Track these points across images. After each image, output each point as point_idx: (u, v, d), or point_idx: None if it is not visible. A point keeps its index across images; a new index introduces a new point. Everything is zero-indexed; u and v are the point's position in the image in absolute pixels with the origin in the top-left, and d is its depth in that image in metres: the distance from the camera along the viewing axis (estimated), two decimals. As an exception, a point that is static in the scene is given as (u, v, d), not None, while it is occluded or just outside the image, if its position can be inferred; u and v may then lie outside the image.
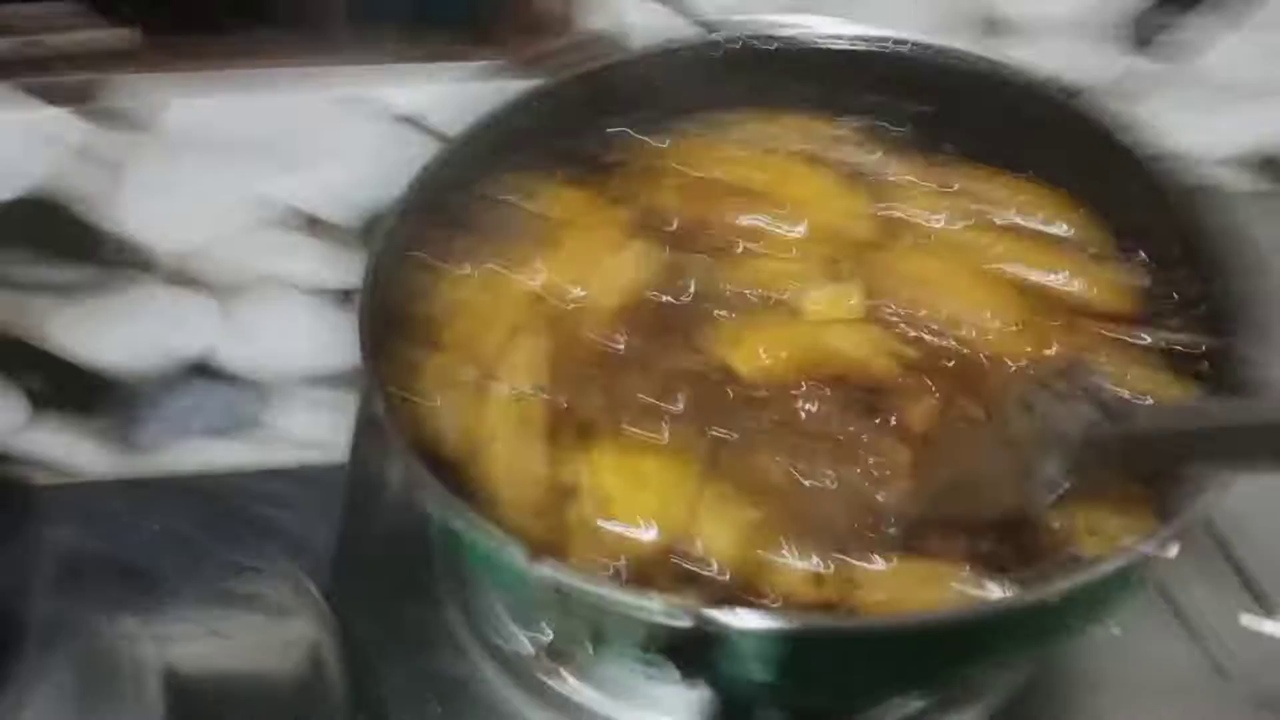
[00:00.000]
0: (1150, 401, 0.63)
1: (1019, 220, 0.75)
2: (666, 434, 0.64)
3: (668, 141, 0.82)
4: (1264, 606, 0.75)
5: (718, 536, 0.59)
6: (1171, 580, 0.76)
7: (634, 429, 0.64)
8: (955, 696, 0.69)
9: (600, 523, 0.60)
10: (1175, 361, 0.66)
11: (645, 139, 0.82)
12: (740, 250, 0.74)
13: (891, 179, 0.79)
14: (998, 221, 0.76)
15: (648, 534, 0.59)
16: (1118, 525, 0.58)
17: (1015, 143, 0.78)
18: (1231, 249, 0.64)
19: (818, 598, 0.56)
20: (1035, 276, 0.72)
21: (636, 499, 0.60)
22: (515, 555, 0.51)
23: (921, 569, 0.57)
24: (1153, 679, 0.72)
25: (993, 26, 0.94)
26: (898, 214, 0.77)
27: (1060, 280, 0.71)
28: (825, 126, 0.82)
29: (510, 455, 0.63)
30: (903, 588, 0.56)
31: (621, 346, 0.69)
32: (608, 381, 0.67)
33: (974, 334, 0.68)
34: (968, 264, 0.72)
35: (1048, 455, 0.56)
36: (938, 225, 0.76)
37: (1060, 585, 0.49)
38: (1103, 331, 0.69)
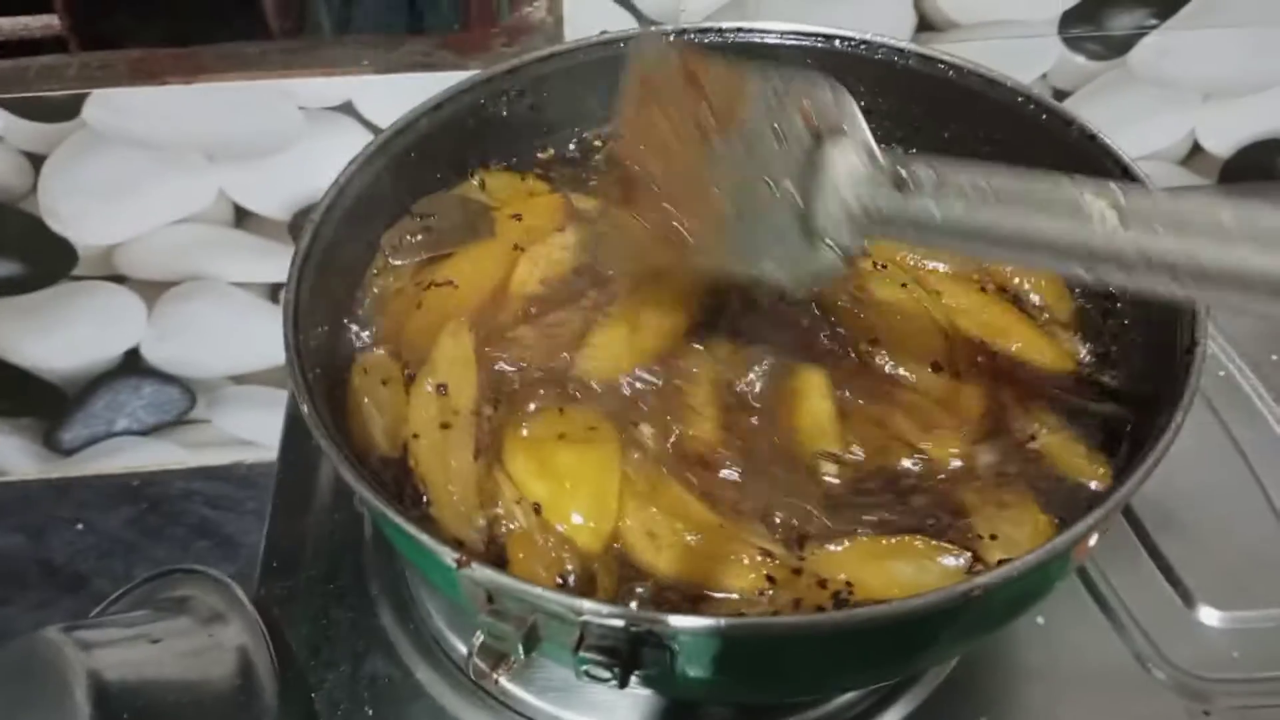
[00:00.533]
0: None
1: (989, 273, 0.74)
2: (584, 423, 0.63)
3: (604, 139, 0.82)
4: (1184, 596, 0.76)
5: (651, 543, 0.59)
6: (1094, 571, 0.77)
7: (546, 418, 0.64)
8: (887, 689, 0.70)
9: (535, 530, 0.60)
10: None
11: (585, 138, 0.82)
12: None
13: None
14: (968, 271, 0.74)
15: (582, 529, 0.59)
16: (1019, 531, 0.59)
17: (963, 140, 0.78)
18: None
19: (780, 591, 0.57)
20: (984, 335, 0.70)
21: (564, 497, 0.60)
22: (444, 558, 0.51)
23: (875, 545, 0.58)
24: (1077, 668, 0.73)
25: (929, 23, 0.95)
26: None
27: (1008, 344, 0.70)
28: None
29: (436, 453, 0.62)
30: (860, 565, 0.57)
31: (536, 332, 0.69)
32: (526, 369, 0.67)
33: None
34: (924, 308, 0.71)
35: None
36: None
37: (994, 575, 0.49)
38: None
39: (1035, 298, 0.73)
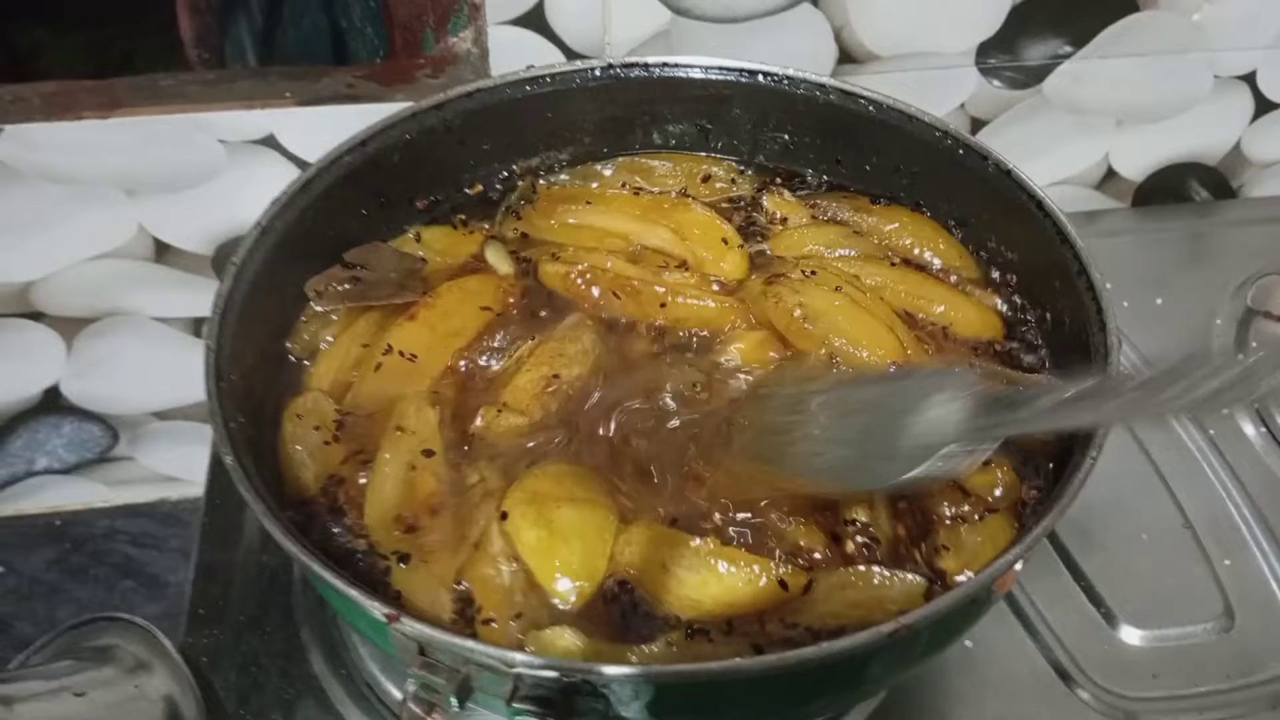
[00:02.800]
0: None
1: (891, 251, 0.78)
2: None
3: (540, 181, 0.83)
4: (1106, 616, 0.78)
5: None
6: (1018, 591, 0.79)
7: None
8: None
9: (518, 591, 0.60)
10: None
11: (513, 173, 0.82)
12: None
13: (765, 211, 0.81)
14: (873, 252, 0.78)
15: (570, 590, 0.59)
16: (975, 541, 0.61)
17: (884, 173, 0.81)
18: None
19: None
20: (910, 305, 0.74)
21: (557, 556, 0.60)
22: (375, 613, 0.50)
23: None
24: (1004, 691, 0.74)
25: (849, 55, 0.97)
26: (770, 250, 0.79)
27: (933, 308, 0.74)
28: (695, 164, 0.84)
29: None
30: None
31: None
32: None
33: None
34: (848, 298, 0.73)
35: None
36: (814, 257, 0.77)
37: (922, 613, 0.50)
38: (970, 357, 0.72)
39: (937, 261, 0.78)
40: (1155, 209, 1.13)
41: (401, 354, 0.70)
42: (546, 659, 0.49)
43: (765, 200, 0.81)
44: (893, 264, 0.77)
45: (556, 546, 0.60)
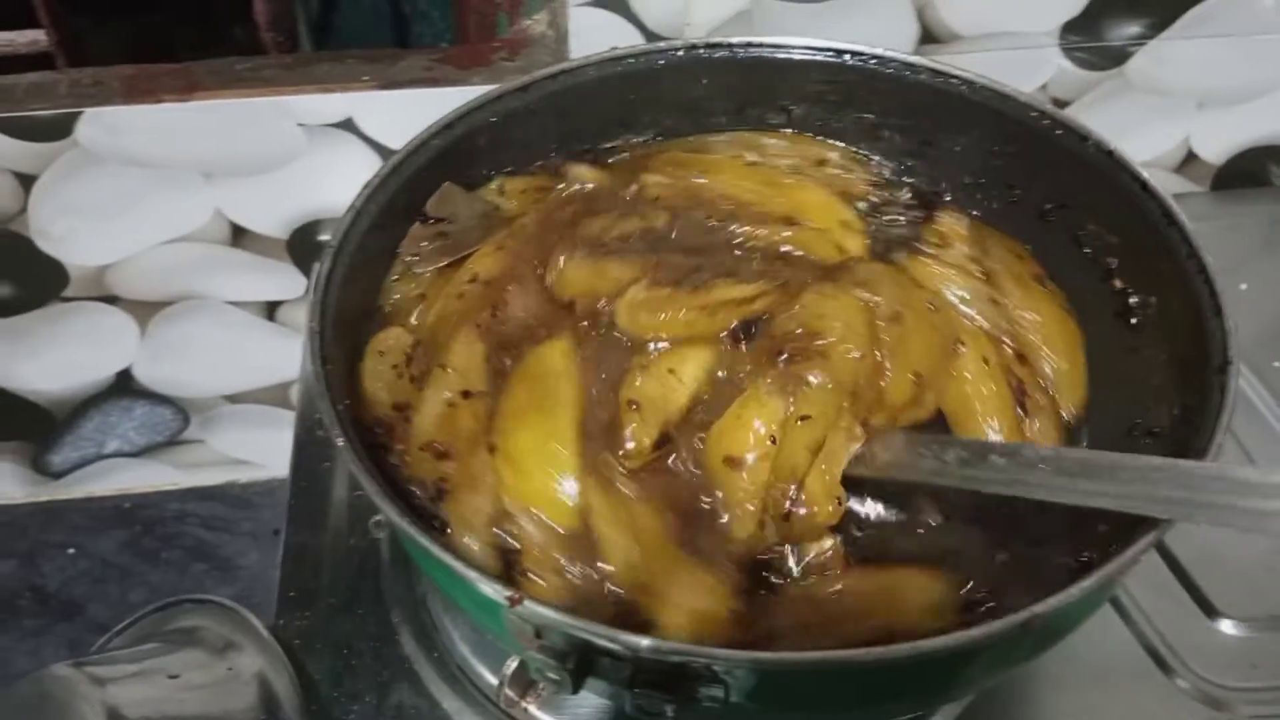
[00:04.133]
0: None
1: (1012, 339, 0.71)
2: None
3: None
4: (1202, 605, 0.77)
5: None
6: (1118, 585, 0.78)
7: None
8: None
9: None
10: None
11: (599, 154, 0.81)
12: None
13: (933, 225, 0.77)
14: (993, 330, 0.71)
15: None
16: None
17: (976, 155, 0.79)
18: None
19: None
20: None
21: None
22: (495, 595, 0.50)
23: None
24: (1101, 678, 0.73)
25: (932, 35, 0.95)
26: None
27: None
28: (812, 147, 0.82)
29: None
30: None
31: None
32: None
33: None
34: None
35: None
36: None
37: (1038, 609, 0.49)
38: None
39: (1049, 371, 0.71)
40: (1234, 193, 1.11)
41: (486, 283, 0.69)
42: (672, 644, 0.48)
43: (941, 215, 0.77)
44: (1003, 348, 0.70)
45: (518, 482, 0.59)
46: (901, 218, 0.78)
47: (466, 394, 0.64)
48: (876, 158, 0.81)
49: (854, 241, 0.73)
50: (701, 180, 0.76)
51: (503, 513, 0.59)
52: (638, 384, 0.63)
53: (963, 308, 0.71)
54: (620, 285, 0.67)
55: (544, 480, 0.60)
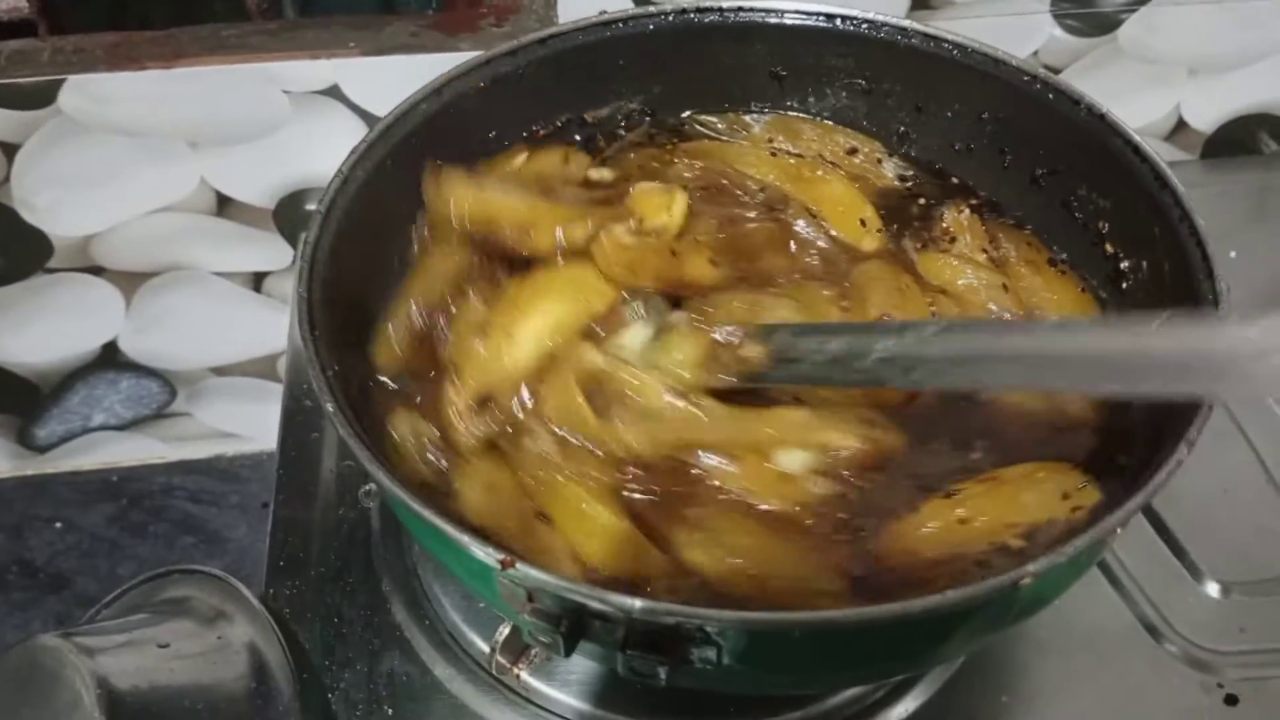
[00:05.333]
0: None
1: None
2: None
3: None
4: (1190, 569, 0.77)
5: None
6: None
7: None
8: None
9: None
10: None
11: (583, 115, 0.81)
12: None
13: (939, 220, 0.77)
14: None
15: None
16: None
17: (968, 120, 0.79)
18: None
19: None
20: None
21: None
22: (488, 559, 0.50)
23: None
24: (1091, 643, 0.74)
25: (923, 1, 0.95)
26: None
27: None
28: (844, 137, 0.82)
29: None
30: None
31: None
32: None
33: None
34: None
35: None
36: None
37: (1030, 569, 0.49)
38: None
39: None
40: (1224, 161, 1.11)
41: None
42: (666, 605, 0.48)
43: (945, 211, 0.76)
44: None
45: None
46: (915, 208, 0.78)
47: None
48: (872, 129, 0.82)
49: (870, 241, 0.74)
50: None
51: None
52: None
53: (972, 296, 0.71)
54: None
55: None
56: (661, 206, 0.70)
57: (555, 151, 0.78)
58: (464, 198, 0.70)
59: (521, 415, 0.62)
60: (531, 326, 0.64)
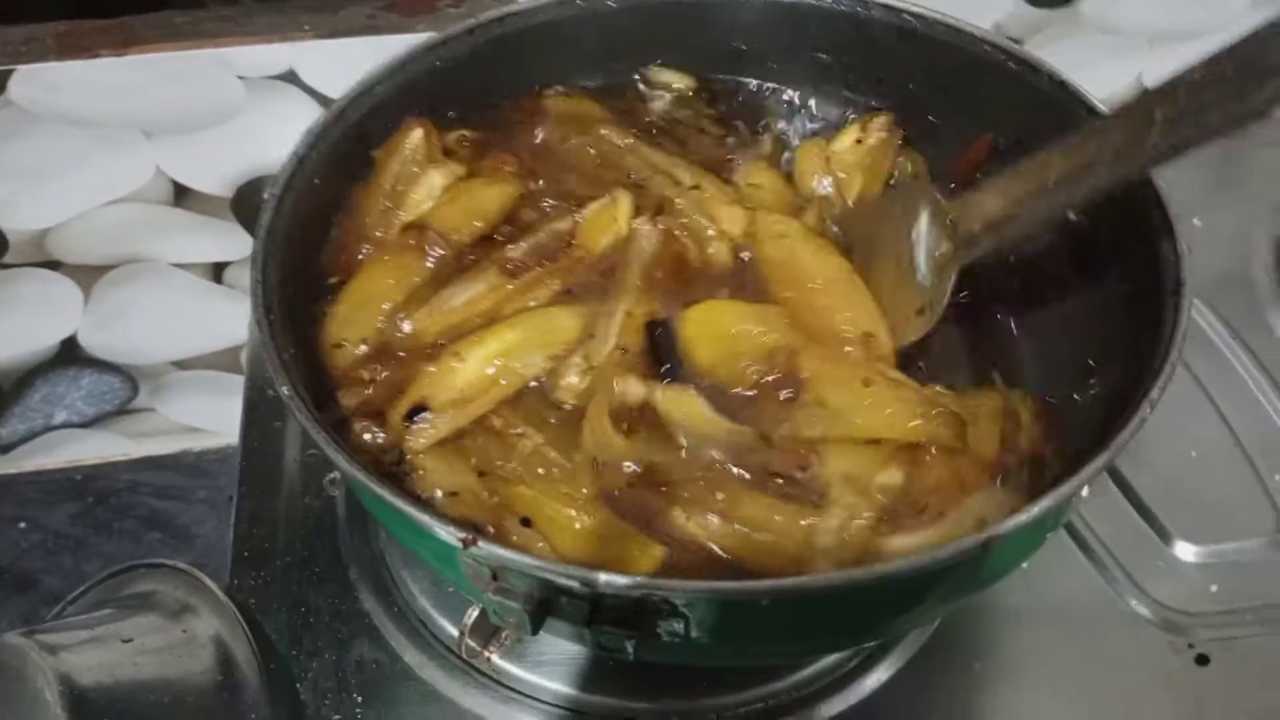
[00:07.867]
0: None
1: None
2: None
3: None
4: (1160, 533, 0.78)
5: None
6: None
7: None
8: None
9: None
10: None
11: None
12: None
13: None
14: None
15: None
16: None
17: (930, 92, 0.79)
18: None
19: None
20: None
21: None
22: (449, 538, 0.49)
23: None
24: (1062, 609, 0.74)
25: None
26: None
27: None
28: None
29: None
30: None
31: None
32: None
33: None
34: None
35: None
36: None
37: (990, 533, 0.49)
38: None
39: None
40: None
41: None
42: (630, 579, 0.48)
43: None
44: None
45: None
46: None
47: None
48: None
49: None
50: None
51: None
52: None
53: None
54: None
55: None
56: (608, 221, 0.71)
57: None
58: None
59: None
60: (485, 351, 0.64)
